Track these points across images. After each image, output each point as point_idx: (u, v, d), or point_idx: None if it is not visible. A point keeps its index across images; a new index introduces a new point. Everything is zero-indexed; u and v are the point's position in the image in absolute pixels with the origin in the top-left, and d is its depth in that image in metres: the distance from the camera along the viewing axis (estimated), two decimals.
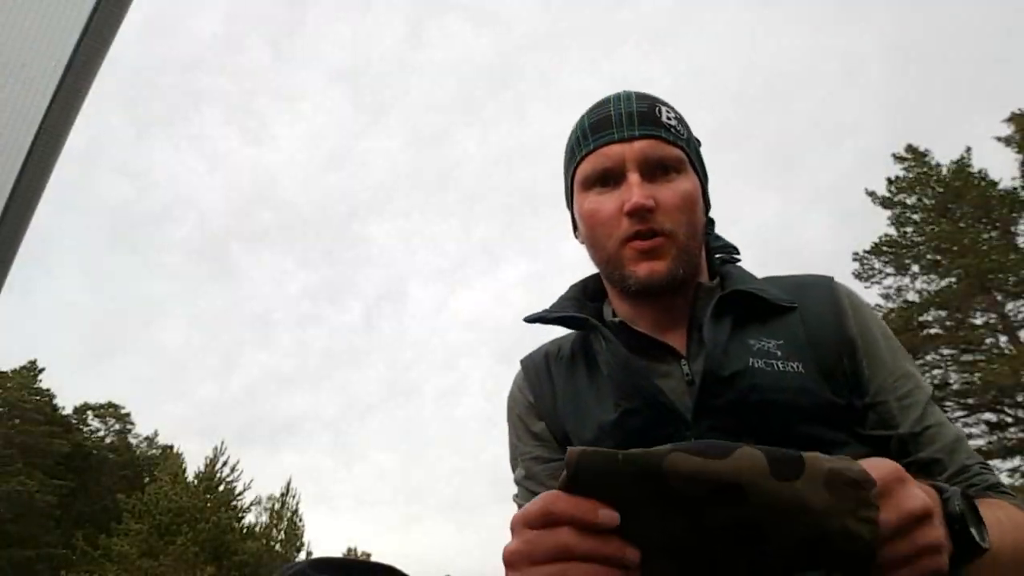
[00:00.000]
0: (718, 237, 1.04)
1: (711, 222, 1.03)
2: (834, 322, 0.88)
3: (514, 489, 1.00)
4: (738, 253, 1.03)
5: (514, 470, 1.00)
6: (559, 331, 1.05)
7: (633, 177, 0.88)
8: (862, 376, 0.87)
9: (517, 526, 0.55)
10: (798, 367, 0.84)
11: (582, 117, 0.97)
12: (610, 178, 0.91)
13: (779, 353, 0.85)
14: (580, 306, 0.98)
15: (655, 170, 0.89)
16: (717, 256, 1.01)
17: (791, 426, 0.80)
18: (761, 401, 0.81)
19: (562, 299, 1.02)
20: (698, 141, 1.00)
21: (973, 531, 0.59)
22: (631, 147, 0.89)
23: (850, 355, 0.87)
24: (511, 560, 0.54)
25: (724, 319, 0.87)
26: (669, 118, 0.92)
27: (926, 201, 16.65)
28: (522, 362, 1.07)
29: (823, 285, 0.94)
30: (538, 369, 1.02)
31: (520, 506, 0.94)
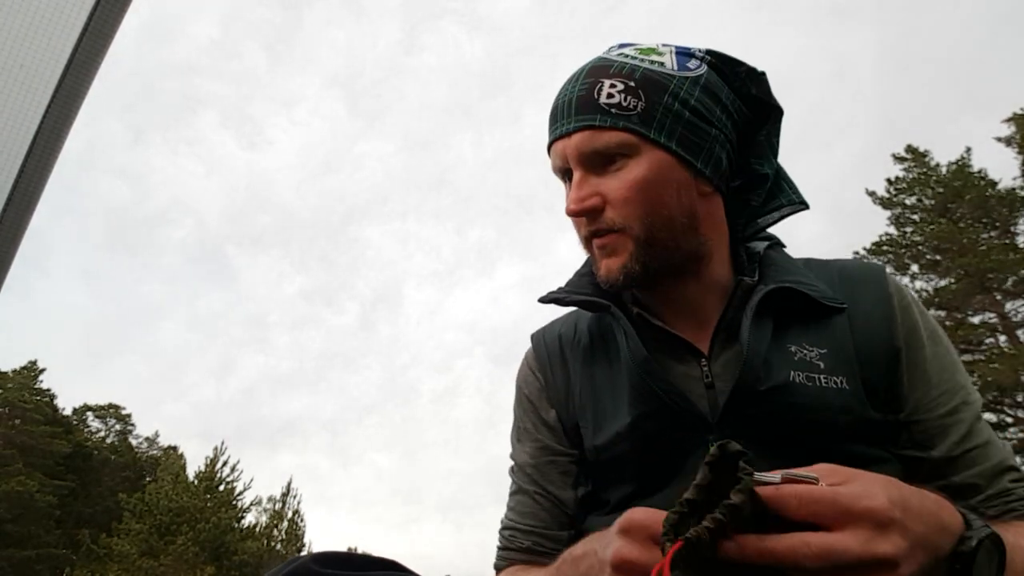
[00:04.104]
0: (771, 199, 0.89)
1: (748, 199, 0.88)
2: (883, 328, 0.80)
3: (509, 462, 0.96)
4: (781, 244, 0.92)
5: (515, 447, 0.95)
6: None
7: (575, 176, 0.81)
8: (901, 389, 0.78)
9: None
10: (841, 382, 0.76)
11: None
12: (567, 176, 0.84)
13: (822, 365, 0.77)
14: (597, 284, 0.89)
15: (597, 163, 0.80)
16: (765, 241, 0.90)
17: (826, 444, 0.74)
18: (796, 419, 0.74)
19: (579, 275, 0.92)
20: (735, 81, 0.85)
21: None
22: (569, 142, 0.81)
23: (891, 366, 0.79)
24: None
25: (765, 321, 0.79)
26: (612, 94, 0.79)
27: (926, 201, 16.64)
28: (533, 338, 0.99)
29: (875, 281, 0.84)
30: (551, 351, 0.95)
31: (519, 486, 0.91)
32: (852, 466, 0.73)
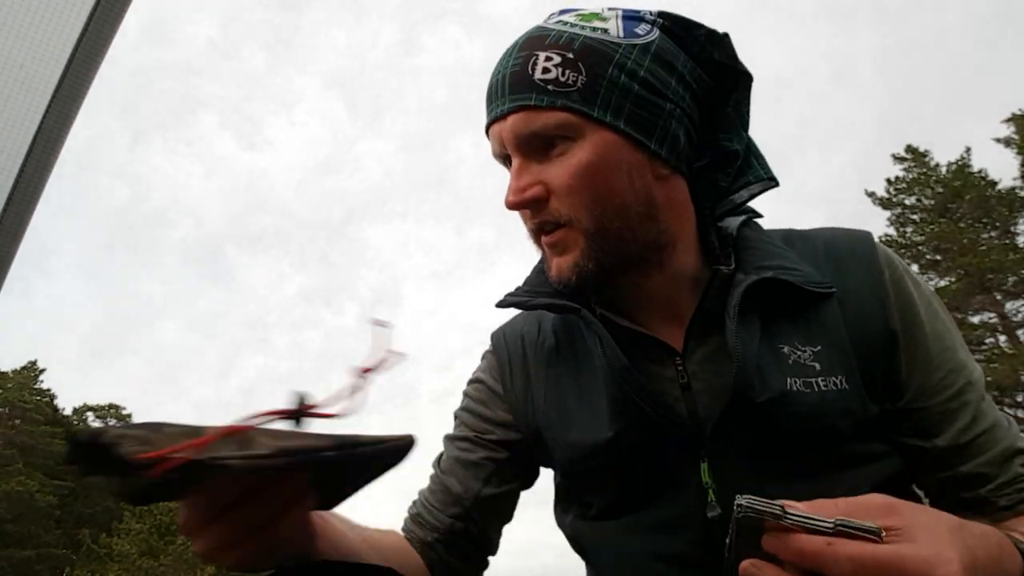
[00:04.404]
0: (740, 176, 0.80)
1: (714, 179, 0.79)
2: (877, 311, 0.72)
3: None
4: (757, 214, 0.84)
5: (452, 429, 0.91)
6: None
7: (514, 164, 0.72)
8: (900, 376, 0.72)
9: None
10: (841, 382, 0.70)
11: None
12: (507, 162, 0.75)
13: (818, 366, 0.70)
14: None
15: (536, 147, 0.71)
16: (740, 215, 0.82)
17: (824, 448, 0.70)
18: (795, 429, 0.69)
19: (537, 271, 0.84)
20: (692, 46, 0.74)
21: None
22: (505, 125, 0.71)
23: (888, 351, 0.72)
24: None
25: (751, 320, 0.71)
26: (548, 68, 0.69)
27: (926, 201, 16.64)
28: (494, 337, 0.91)
29: (863, 254, 0.76)
30: (512, 353, 0.87)
31: (437, 463, 0.89)
32: (852, 465, 0.71)
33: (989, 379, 13.54)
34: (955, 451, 0.70)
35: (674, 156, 0.73)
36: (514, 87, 0.70)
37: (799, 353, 0.71)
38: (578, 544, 0.85)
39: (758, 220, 0.83)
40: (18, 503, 22.65)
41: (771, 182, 0.80)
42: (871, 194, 17.50)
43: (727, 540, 0.48)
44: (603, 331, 0.74)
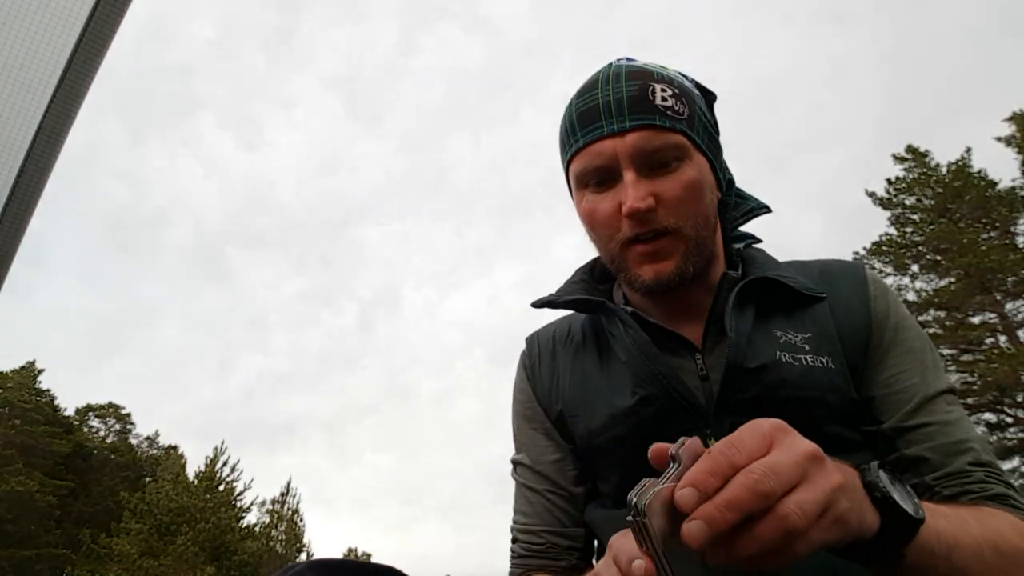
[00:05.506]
0: (740, 203, 0.94)
1: (727, 202, 0.92)
2: (862, 312, 0.83)
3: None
4: (757, 240, 0.96)
5: (520, 445, 0.96)
6: (558, 313, 1.02)
7: (628, 176, 0.79)
8: (868, 369, 0.81)
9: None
10: (828, 362, 0.79)
11: (570, 103, 0.86)
12: (605, 176, 0.82)
13: (807, 347, 0.80)
14: (589, 289, 0.93)
15: (653, 163, 0.80)
16: (737, 242, 0.93)
17: (818, 425, 0.75)
18: (789, 397, 0.76)
19: (570, 283, 0.95)
20: (709, 100, 0.90)
21: (896, 496, 0.54)
22: (623, 141, 0.79)
23: (864, 347, 0.82)
24: None
25: (747, 308, 0.82)
26: (665, 97, 0.80)
27: (926, 201, 16.64)
28: (527, 340, 1.02)
29: (853, 274, 0.87)
30: (543, 347, 0.98)
31: (529, 486, 0.92)
32: (837, 450, 0.73)
33: (989, 379, 13.54)
34: (899, 433, 0.77)
35: (722, 182, 0.89)
36: (634, 108, 0.80)
37: (790, 336, 0.81)
38: (596, 536, 0.89)
39: (759, 245, 0.95)
40: (18, 503, 22.65)
41: (765, 209, 0.95)
42: (871, 194, 17.50)
43: (652, 548, 0.45)
44: (626, 315, 0.85)
